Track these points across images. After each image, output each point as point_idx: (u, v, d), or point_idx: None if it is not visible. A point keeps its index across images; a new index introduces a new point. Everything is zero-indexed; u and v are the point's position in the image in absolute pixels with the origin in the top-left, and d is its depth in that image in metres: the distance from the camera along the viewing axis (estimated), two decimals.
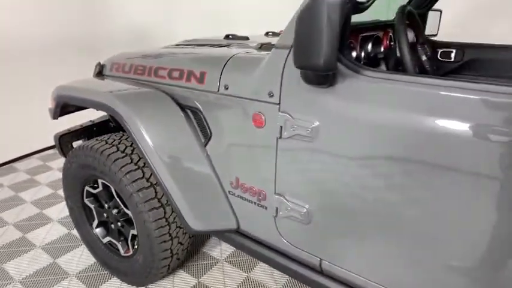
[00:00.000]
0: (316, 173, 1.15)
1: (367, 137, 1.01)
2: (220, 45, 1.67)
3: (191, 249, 2.04)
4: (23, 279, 1.87)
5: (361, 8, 1.10)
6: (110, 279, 1.86)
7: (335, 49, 0.83)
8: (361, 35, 1.41)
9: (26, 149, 3.31)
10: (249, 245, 1.48)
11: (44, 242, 2.15)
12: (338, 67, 1.01)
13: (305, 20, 0.84)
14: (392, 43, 1.64)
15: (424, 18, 2.25)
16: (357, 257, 1.17)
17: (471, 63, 2.12)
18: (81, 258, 2.01)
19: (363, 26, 1.44)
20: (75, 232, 2.20)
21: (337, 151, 1.08)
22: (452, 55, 2.14)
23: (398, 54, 1.21)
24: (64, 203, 2.46)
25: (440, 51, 2.19)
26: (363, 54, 1.51)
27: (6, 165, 3.17)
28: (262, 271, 1.91)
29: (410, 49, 1.28)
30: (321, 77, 0.98)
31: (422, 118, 0.91)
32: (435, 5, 2.11)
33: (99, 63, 1.91)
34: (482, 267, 0.92)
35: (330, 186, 1.14)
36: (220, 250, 2.06)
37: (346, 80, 1.02)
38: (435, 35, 2.37)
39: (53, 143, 2.01)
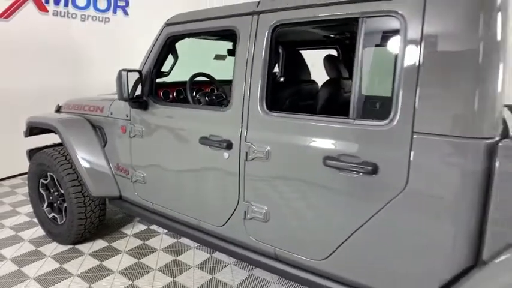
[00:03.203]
0: (146, 155, 2.27)
1: (163, 132, 2.15)
2: None
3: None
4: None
5: (163, 75, 2.29)
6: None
7: (126, 91, 2.00)
8: (178, 87, 2.65)
9: (12, 171, 4.42)
10: (127, 206, 2.54)
11: (12, 223, 3.17)
12: (148, 101, 2.18)
13: (118, 79, 2.02)
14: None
15: None
16: (172, 200, 2.23)
17: None
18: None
19: (175, 83, 2.70)
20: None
21: (152, 141, 2.21)
22: None
23: (188, 96, 2.41)
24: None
25: None
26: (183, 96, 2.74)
27: None
28: None
29: (204, 94, 2.50)
30: (135, 104, 2.15)
31: (177, 122, 2.06)
32: None
33: (58, 104, 3.10)
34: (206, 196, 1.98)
35: (153, 162, 2.25)
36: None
37: (152, 107, 2.19)
38: None
39: None
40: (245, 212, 1.80)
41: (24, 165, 4.42)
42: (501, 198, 1.18)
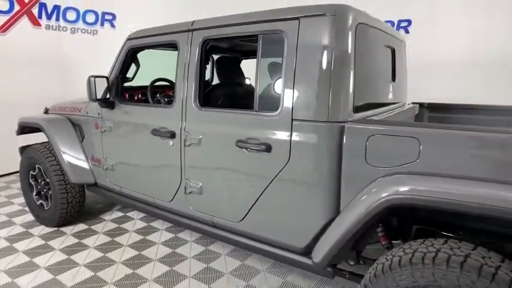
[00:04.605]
0: (114, 145, 2.73)
1: (125, 127, 2.61)
2: None
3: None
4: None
5: (128, 80, 2.76)
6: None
7: (94, 93, 2.47)
8: (141, 90, 3.12)
9: (7, 170, 4.89)
10: (101, 191, 2.99)
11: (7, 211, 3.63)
12: (115, 101, 2.64)
13: (88, 84, 2.49)
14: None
15: None
16: (134, 182, 2.68)
17: None
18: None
19: (141, 87, 3.18)
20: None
21: (118, 134, 2.68)
22: None
23: (148, 97, 2.88)
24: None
25: None
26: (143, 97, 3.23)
27: None
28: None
29: (164, 95, 2.96)
30: (104, 104, 2.61)
31: (136, 118, 2.52)
32: None
33: (46, 107, 3.58)
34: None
35: (119, 151, 2.71)
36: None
37: (117, 106, 2.66)
38: None
39: None
40: (185, 187, 2.25)
41: (17, 164, 4.94)
42: (347, 165, 1.63)
